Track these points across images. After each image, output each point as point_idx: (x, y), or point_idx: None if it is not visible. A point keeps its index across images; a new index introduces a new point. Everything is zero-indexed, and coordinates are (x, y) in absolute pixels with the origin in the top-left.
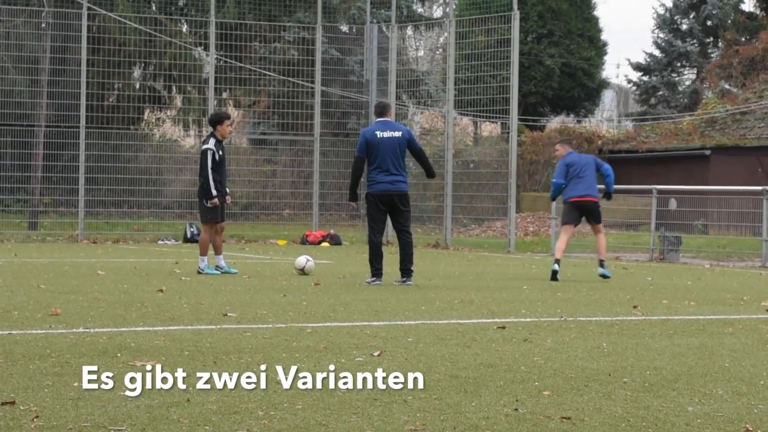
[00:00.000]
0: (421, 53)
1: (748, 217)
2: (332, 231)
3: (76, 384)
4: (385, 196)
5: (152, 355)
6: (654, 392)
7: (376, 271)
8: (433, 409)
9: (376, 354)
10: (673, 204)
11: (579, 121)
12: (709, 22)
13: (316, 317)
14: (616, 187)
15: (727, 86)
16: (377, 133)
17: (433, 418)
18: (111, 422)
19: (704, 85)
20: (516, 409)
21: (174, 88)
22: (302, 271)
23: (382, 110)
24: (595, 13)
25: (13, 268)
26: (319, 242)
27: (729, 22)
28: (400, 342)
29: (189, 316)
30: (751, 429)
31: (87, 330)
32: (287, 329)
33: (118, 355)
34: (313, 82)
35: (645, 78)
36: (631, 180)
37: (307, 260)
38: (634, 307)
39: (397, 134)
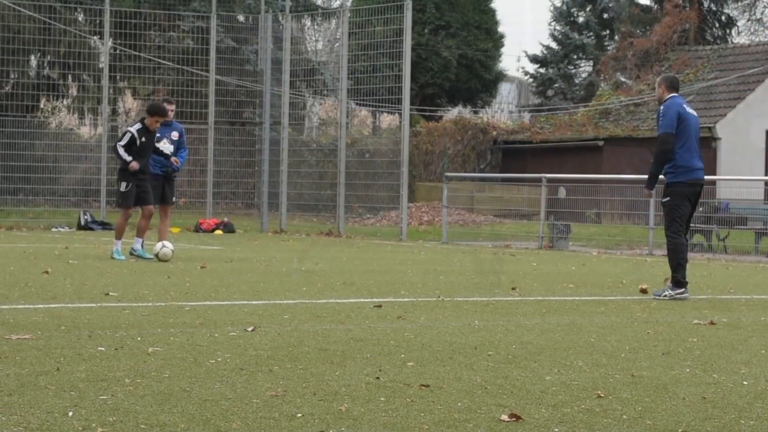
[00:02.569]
0: (320, 45)
1: (639, 206)
2: (226, 219)
3: None
4: (697, 186)
5: (29, 330)
6: (516, 364)
7: (684, 277)
8: (297, 378)
9: (249, 329)
10: (562, 192)
11: (476, 112)
12: (605, 15)
13: (197, 297)
14: (507, 175)
15: (621, 78)
16: (684, 106)
17: (295, 386)
18: None
19: (600, 78)
20: (377, 378)
21: (69, 76)
22: (156, 257)
23: (678, 85)
24: (492, 5)
25: None
26: (213, 230)
27: (624, 14)
28: (276, 319)
29: (71, 295)
30: (602, 395)
31: None
32: (166, 307)
33: None
34: (208, 71)
35: (542, 70)
36: (525, 170)
37: (163, 246)
38: (513, 288)
39: (695, 114)
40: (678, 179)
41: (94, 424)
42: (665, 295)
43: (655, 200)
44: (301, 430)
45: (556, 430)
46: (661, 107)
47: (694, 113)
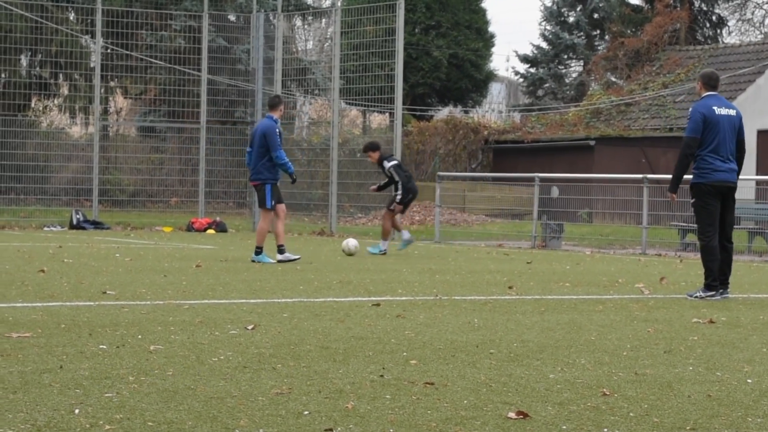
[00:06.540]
0: (310, 45)
1: (631, 206)
2: (218, 218)
3: None
4: (723, 188)
5: (29, 328)
6: (518, 362)
7: (715, 281)
8: (301, 376)
9: (250, 327)
10: (555, 192)
11: (466, 112)
12: (595, 15)
13: (195, 295)
14: (500, 175)
15: (612, 78)
16: (715, 108)
17: (300, 383)
18: None
19: (590, 77)
20: (382, 376)
21: (61, 75)
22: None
23: (715, 82)
24: (482, 4)
25: None
26: (205, 229)
27: (615, 14)
28: (275, 317)
29: (68, 293)
30: (608, 393)
31: None
32: (165, 306)
33: None
34: (200, 70)
35: (532, 70)
36: (517, 170)
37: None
38: (510, 287)
39: (733, 113)
40: (699, 180)
41: (101, 422)
42: (697, 296)
43: (648, 200)
44: (309, 428)
45: (564, 427)
46: (690, 108)
47: (730, 112)
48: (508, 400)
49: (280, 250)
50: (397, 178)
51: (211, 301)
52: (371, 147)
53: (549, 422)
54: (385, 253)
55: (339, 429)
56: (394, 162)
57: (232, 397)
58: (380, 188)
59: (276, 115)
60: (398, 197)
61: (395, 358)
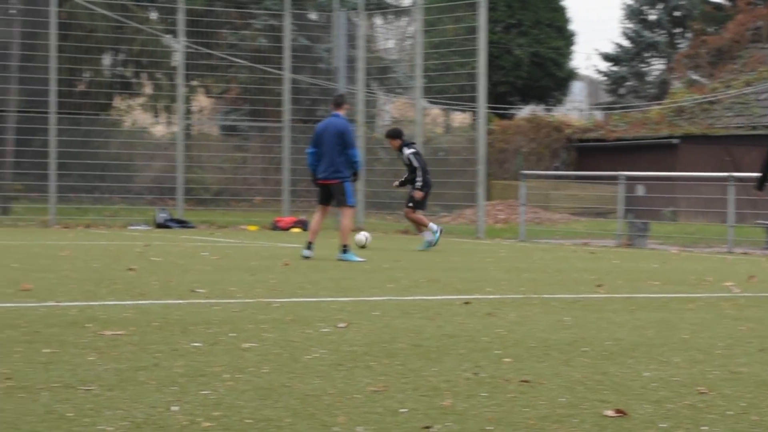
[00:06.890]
0: (390, 44)
1: (716, 204)
2: (302, 217)
3: (46, 350)
4: None
5: (121, 326)
6: (612, 360)
7: None
8: (396, 374)
9: (341, 325)
10: (640, 190)
11: (548, 110)
12: (676, 13)
13: (284, 293)
14: (584, 173)
15: (695, 76)
16: None
17: (395, 381)
18: (80, 383)
19: (672, 75)
20: (476, 374)
21: (143, 75)
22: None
23: None
24: (563, 3)
25: None
26: (290, 228)
27: (696, 12)
28: (366, 315)
29: (158, 292)
30: (704, 391)
31: (57, 304)
32: (255, 304)
33: (88, 325)
34: (282, 69)
35: (614, 68)
36: (600, 169)
37: (366, 238)
38: (598, 286)
39: None
40: None
41: (199, 419)
42: None
43: (735, 198)
44: (407, 425)
45: (662, 425)
46: None
47: None
48: (604, 398)
49: (344, 249)
50: (416, 164)
51: (301, 299)
52: (393, 134)
53: (647, 420)
54: (441, 232)
55: (437, 426)
56: (413, 150)
57: (328, 394)
58: (402, 183)
59: (342, 113)
60: (418, 183)
61: (488, 356)
